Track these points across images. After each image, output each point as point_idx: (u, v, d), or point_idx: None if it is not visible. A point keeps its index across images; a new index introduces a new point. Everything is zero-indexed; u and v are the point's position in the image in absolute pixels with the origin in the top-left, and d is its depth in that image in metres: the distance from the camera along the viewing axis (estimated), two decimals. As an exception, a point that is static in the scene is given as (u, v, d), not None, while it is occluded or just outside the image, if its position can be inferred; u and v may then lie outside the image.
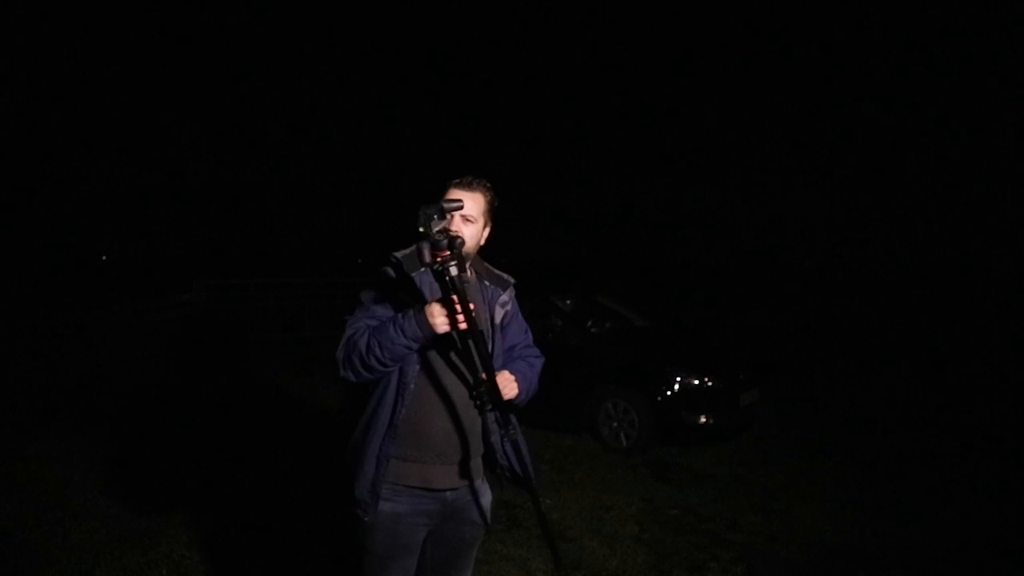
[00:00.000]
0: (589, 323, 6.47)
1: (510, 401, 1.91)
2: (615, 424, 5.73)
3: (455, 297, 1.66)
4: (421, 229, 1.64)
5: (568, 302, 6.69)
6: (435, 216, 1.65)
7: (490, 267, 2.11)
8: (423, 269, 1.93)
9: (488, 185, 1.99)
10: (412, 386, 1.86)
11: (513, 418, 2.03)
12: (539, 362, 2.14)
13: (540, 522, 1.90)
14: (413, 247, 1.98)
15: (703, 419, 5.57)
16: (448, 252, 1.62)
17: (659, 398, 5.61)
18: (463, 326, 1.70)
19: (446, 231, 1.67)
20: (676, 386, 5.64)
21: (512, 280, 2.10)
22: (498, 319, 2.02)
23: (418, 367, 1.87)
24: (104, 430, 5.66)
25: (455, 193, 1.94)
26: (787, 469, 5.33)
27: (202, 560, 3.44)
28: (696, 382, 5.67)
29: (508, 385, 1.89)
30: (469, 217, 1.93)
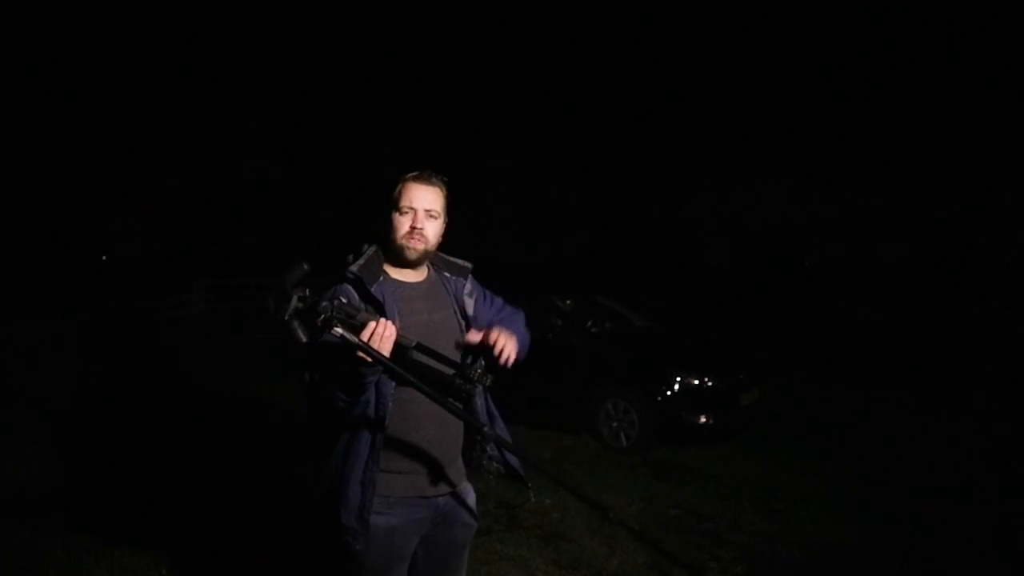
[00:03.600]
0: (589, 323, 6.47)
1: (507, 362, 1.82)
2: (615, 424, 5.73)
3: (360, 344, 1.53)
4: (286, 317, 1.48)
5: (568, 302, 6.69)
6: (293, 298, 1.49)
7: (444, 256, 2.01)
8: (381, 279, 1.84)
9: (445, 180, 1.92)
10: (390, 404, 1.77)
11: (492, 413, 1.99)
12: (520, 315, 2.06)
13: (557, 480, 1.87)
14: (364, 258, 1.86)
15: (703, 419, 5.57)
16: (322, 316, 1.49)
17: (659, 398, 5.61)
18: (387, 354, 1.57)
19: (304, 298, 1.50)
20: (676, 386, 5.64)
21: (469, 265, 2.03)
22: (470, 310, 1.96)
23: (394, 384, 1.77)
24: (104, 430, 5.66)
25: (413, 189, 1.85)
26: (787, 469, 5.32)
27: (202, 560, 3.44)
28: (696, 382, 5.67)
29: (508, 343, 1.80)
30: (432, 213, 1.86)
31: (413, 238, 1.83)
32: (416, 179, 1.87)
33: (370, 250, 1.91)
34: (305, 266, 1.53)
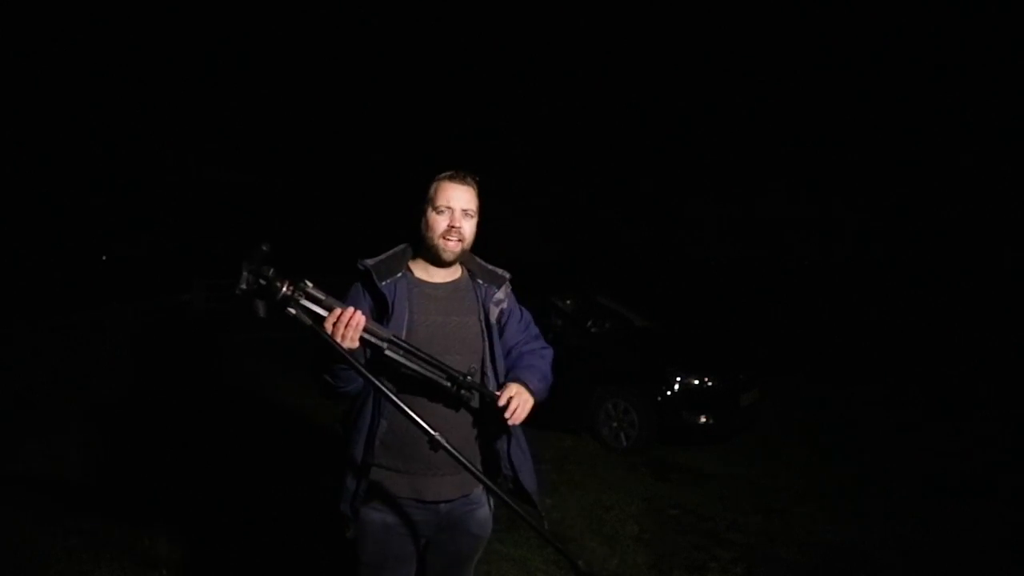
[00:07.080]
0: (589, 323, 6.47)
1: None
2: (615, 424, 5.73)
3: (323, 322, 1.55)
4: (237, 291, 1.52)
5: (568, 302, 6.69)
6: (244, 273, 1.53)
7: (483, 263, 2.00)
8: (399, 275, 1.85)
9: (476, 178, 1.90)
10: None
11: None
12: (549, 353, 2.02)
13: (544, 538, 1.82)
14: (386, 254, 1.89)
15: (703, 419, 5.57)
16: (280, 294, 1.52)
17: (659, 398, 5.61)
18: (353, 344, 1.58)
19: (263, 275, 1.53)
20: (676, 386, 5.64)
21: (507, 275, 2.00)
22: (493, 318, 1.92)
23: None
24: (104, 430, 5.65)
25: (450, 188, 1.83)
26: (787, 469, 5.32)
27: (202, 560, 3.43)
28: (696, 382, 5.67)
29: (523, 406, 1.76)
30: (469, 211, 1.85)
31: (451, 238, 1.83)
32: (451, 178, 1.86)
33: (398, 248, 1.92)
34: (264, 247, 1.56)
